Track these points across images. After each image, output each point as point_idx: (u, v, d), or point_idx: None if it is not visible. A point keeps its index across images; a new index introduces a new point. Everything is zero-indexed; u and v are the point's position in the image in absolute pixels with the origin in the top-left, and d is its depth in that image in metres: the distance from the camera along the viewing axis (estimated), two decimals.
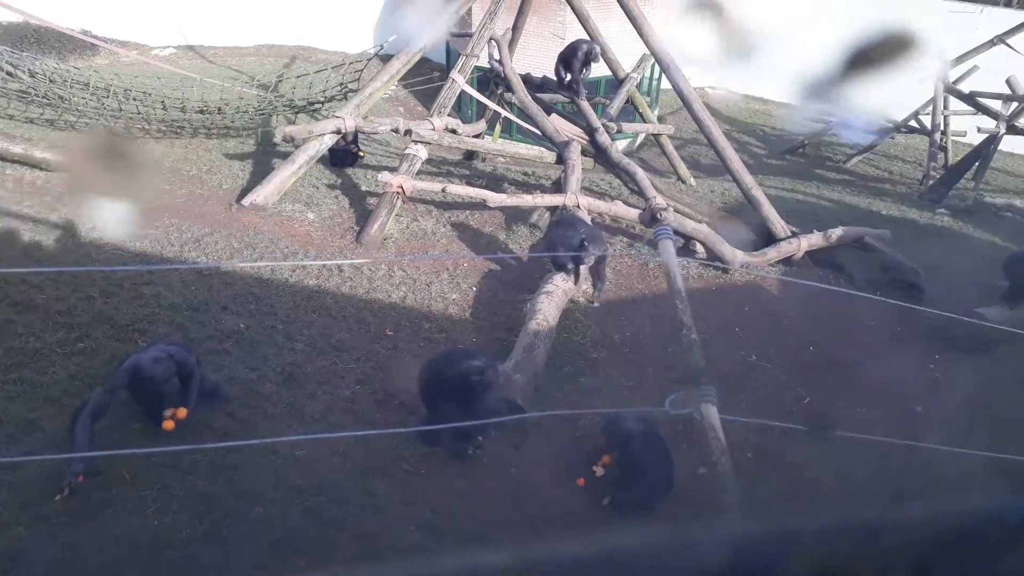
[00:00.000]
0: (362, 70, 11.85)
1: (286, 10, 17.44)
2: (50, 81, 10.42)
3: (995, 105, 13.20)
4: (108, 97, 10.50)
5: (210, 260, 7.05)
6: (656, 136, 12.19)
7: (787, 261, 8.60)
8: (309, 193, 8.86)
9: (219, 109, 11.01)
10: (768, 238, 8.76)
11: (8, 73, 10.37)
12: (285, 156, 9.12)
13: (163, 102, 10.70)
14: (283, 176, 8.64)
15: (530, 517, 4.85)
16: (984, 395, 6.51)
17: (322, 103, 11.95)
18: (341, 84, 11.85)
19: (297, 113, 12.00)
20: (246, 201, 8.35)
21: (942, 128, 14.18)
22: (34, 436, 4.57)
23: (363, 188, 9.21)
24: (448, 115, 9.87)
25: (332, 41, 17.51)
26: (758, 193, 8.98)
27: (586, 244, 6.97)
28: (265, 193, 8.45)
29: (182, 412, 4.76)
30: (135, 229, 7.05)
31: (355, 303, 6.86)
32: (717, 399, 4.81)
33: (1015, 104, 13.01)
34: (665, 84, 11.61)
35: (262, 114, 11.49)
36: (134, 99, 10.58)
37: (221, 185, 8.86)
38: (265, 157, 9.89)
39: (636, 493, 5.02)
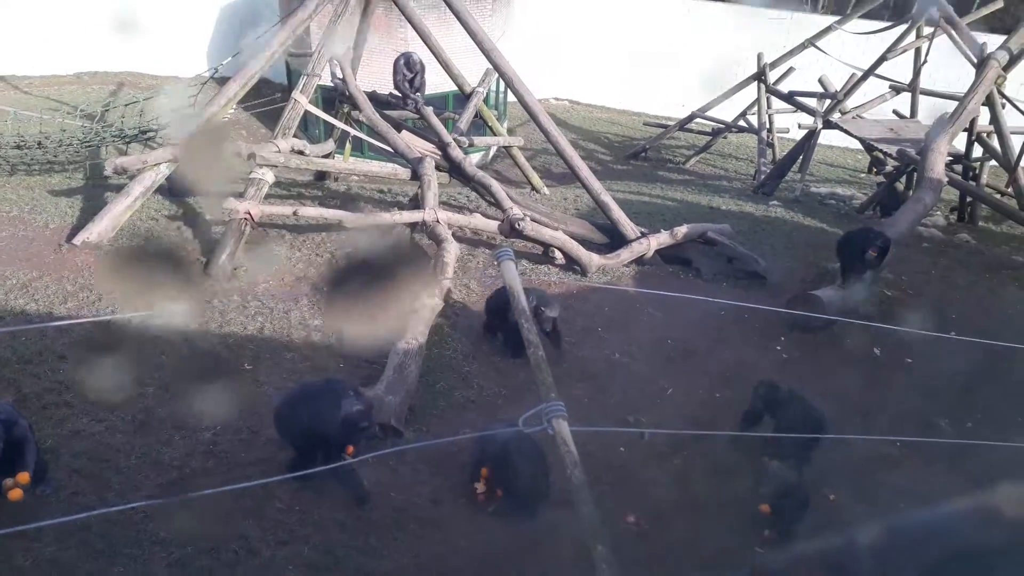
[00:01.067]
0: (196, 95, 11.31)
1: (108, 35, 16.34)
2: None
3: (811, 103, 14.45)
4: None
5: (41, 307, 6.46)
6: (507, 148, 12.41)
7: (640, 260, 8.98)
8: (148, 226, 8.33)
9: (39, 143, 10.15)
10: (619, 240, 9.12)
11: None
12: (118, 189, 8.52)
13: None
14: (118, 210, 8.08)
15: (414, 539, 4.76)
16: (829, 372, 7.08)
17: (156, 131, 11.28)
18: (174, 110, 11.24)
19: (129, 143, 11.26)
20: (78, 240, 7.74)
21: (768, 126, 15.36)
22: None
23: (208, 217, 8.77)
24: (294, 136, 9.60)
25: (163, 65, 16.61)
26: (607, 198, 9.34)
27: (542, 309, 6.67)
28: (99, 230, 7.87)
29: (24, 477, 4.29)
30: None
31: (208, 339, 6.50)
32: (567, 413, 4.91)
33: (828, 101, 14.30)
34: (512, 97, 11.85)
35: (89, 146, 10.70)
36: None
37: (48, 224, 8.16)
38: (96, 191, 9.20)
39: (515, 499, 5.06)
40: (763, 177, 13.87)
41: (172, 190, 9.14)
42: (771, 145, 15.43)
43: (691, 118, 16.20)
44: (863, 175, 16.44)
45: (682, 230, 9.08)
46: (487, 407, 6.26)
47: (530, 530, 4.94)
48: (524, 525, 4.97)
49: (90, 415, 5.22)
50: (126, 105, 11.69)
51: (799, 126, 14.31)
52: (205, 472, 4.94)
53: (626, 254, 8.85)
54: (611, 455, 5.61)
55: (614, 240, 9.17)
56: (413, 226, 8.62)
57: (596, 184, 9.36)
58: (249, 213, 7.75)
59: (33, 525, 3.93)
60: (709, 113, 16.02)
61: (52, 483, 4.58)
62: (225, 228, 7.96)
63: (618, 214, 9.19)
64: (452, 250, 7.98)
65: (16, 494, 4.21)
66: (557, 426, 3.83)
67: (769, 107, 15.45)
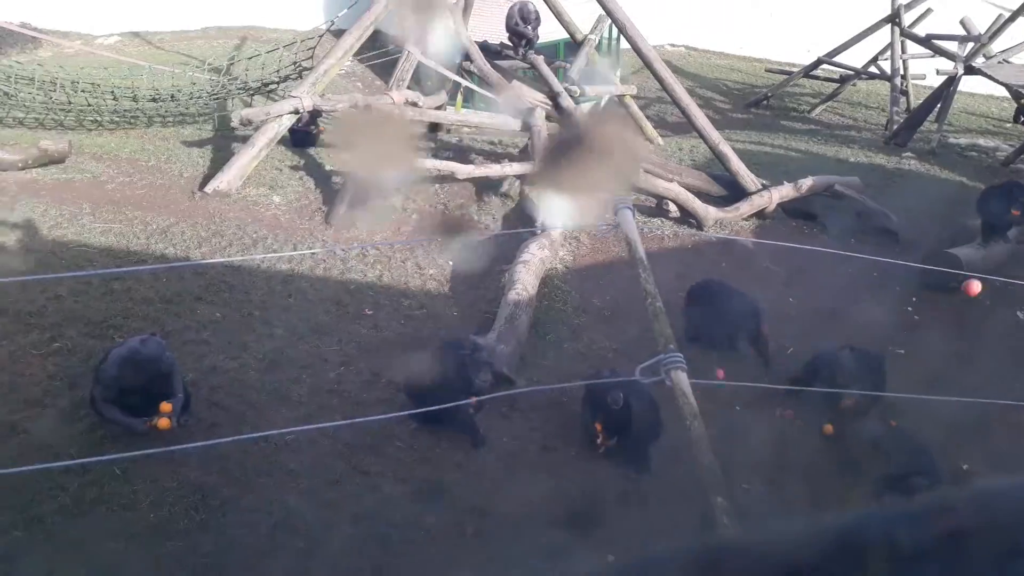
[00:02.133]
0: (315, 47, 11.58)
1: None
2: None
3: (951, 47, 13.32)
4: (55, 91, 10.14)
5: (178, 251, 6.88)
6: (620, 97, 12.13)
7: (760, 214, 8.65)
8: (273, 176, 8.68)
9: (172, 96, 10.69)
10: (738, 193, 8.80)
11: None
12: (244, 140, 8.90)
13: (113, 92, 10.37)
14: (244, 160, 8.45)
15: (525, 483, 4.86)
16: (964, 336, 6.65)
17: (277, 83, 11.65)
18: (295, 63, 11.56)
19: (253, 95, 11.70)
20: (209, 188, 8.15)
21: (902, 72, 14.30)
22: (19, 438, 4.45)
23: (327, 168, 9.05)
24: (407, 88, 9.71)
25: (281, 19, 17.08)
26: (726, 148, 9.00)
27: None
28: (228, 179, 8.26)
29: (166, 406, 4.63)
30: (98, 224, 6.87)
31: (331, 285, 6.76)
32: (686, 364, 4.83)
33: (971, 44, 13.14)
34: (625, 44, 11.53)
35: (217, 98, 11.19)
36: (83, 91, 10.24)
37: (182, 173, 8.64)
38: (224, 142, 9.65)
39: (632, 451, 5.05)
40: (896, 127, 12.97)
41: (294, 141, 9.48)
42: (905, 92, 14.37)
43: (817, 64, 15.29)
44: (1008, 125, 15.10)
45: (807, 183, 8.66)
46: (597, 360, 6.25)
47: (640, 479, 4.95)
48: (635, 474, 4.99)
49: (225, 353, 5.55)
50: (249, 59, 12.11)
51: (937, 72, 13.22)
52: (330, 409, 5.19)
53: (746, 207, 8.54)
54: (729, 412, 5.51)
55: (733, 193, 8.85)
56: (523, 177, 8.61)
57: (714, 134, 9.02)
58: None
59: (179, 448, 4.25)
60: (837, 59, 15.06)
61: (194, 414, 4.92)
62: (344, 179, 8.20)
63: (737, 165, 8.85)
64: None
65: (164, 423, 4.55)
66: (676, 377, 3.78)
67: (903, 51, 14.34)
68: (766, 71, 17.05)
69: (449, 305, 6.76)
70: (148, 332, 4.98)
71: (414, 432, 5.08)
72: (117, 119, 10.23)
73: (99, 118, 10.12)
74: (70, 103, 10.06)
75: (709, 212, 8.30)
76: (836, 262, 6.71)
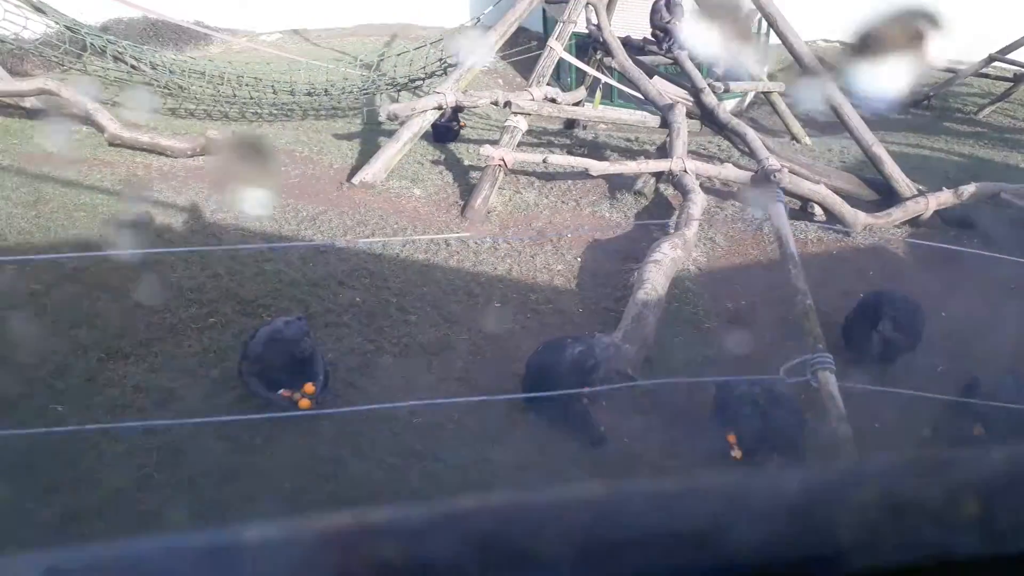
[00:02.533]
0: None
1: None
2: (170, 72, 10.99)
3: None
4: (223, 84, 10.99)
5: (325, 237, 7.29)
6: (767, 94, 11.69)
7: (914, 221, 8.10)
8: (415, 169, 9.00)
9: (326, 91, 11.33)
10: (891, 198, 8.28)
11: (132, 67, 11.01)
12: (390, 134, 9.29)
13: (273, 86, 11.11)
14: (389, 154, 8.81)
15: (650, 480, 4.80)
16: None
17: (423, 79, 12.08)
18: (440, 59, 11.94)
19: (399, 91, 12.20)
20: (356, 180, 8.57)
21: None
22: (176, 404, 4.87)
23: (466, 163, 9.28)
24: (547, 84, 9.79)
25: (430, 17, 17.65)
26: (880, 150, 8.49)
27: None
28: (373, 171, 8.65)
29: (310, 387, 4.91)
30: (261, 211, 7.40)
31: (463, 276, 6.94)
32: (835, 366, 4.60)
33: None
34: (774, 39, 11.07)
35: (366, 93, 11.74)
36: (246, 85, 11.03)
37: (332, 165, 9.13)
38: (371, 135, 10.11)
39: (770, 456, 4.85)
40: None
41: (435, 136, 9.79)
42: None
43: (988, 61, 14.07)
44: None
45: (969, 189, 8.01)
46: (728, 365, 6.07)
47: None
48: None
49: (363, 335, 5.83)
50: (398, 55, 12.61)
51: None
52: (456, 396, 5.33)
53: (898, 213, 8.01)
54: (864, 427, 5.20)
55: (885, 197, 8.34)
56: (659, 175, 8.48)
57: (868, 135, 8.52)
58: (503, 159, 8.07)
59: (317, 412, 4.51)
60: (1011, 56, 13.81)
61: (332, 391, 5.21)
62: (481, 173, 8.39)
63: (892, 168, 8.32)
64: (699, 202, 7.74)
65: (305, 404, 4.83)
66: (823, 378, 3.61)
67: None
68: (929, 68, 15.86)
69: (575, 302, 6.78)
70: (295, 314, 5.31)
71: (535, 424, 5.14)
72: (275, 112, 10.95)
73: (259, 111, 10.88)
74: (235, 96, 10.86)
75: (858, 217, 7.85)
76: (997, 275, 6.18)
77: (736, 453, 5.01)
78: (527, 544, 0.35)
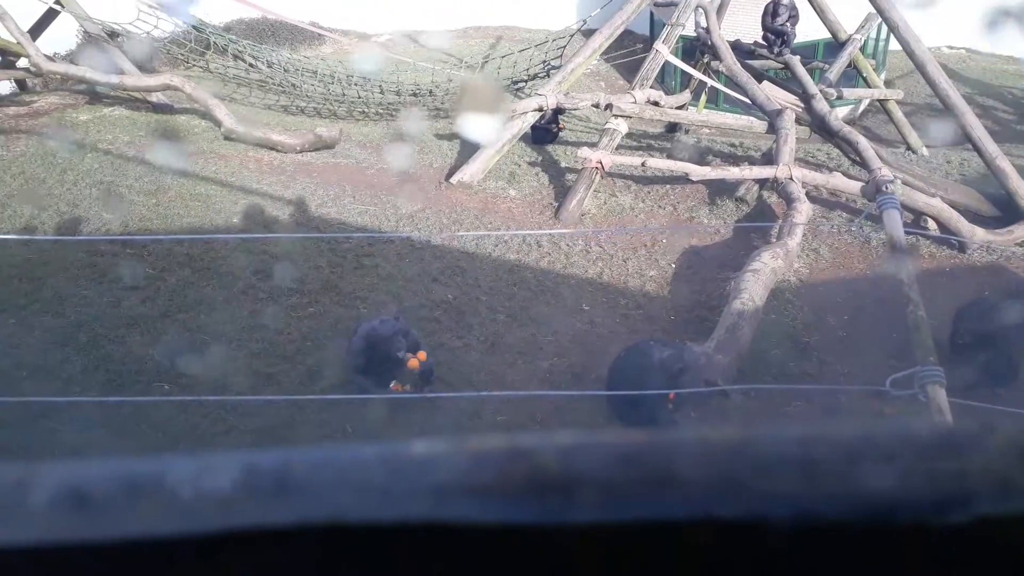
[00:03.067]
0: (564, 46, 11.90)
1: None
2: (284, 71, 11.49)
3: None
4: (333, 84, 11.40)
5: (422, 234, 7.45)
6: (883, 102, 11.15)
7: None
8: (511, 170, 9.06)
9: (430, 91, 11.57)
10: (1014, 214, 7.73)
11: (250, 65, 11.58)
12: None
13: (380, 86, 11.44)
14: (488, 155, 8.90)
15: None
16: None
17: (526, 81, 12.17)
18: (544, 61, 11.98)
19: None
20: (454, 179, 8.71)
21: None
22: (272, 388, 5.10)
23: (563, 165, 9.27)
24: (651, 87, 9.65)
25: (536, 19, 17.74)
26: (1004, 163, 7.93)
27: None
28: (471, 171, 8.76)
29: (423, 355, 5.07)
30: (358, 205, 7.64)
31: (553, 277, 6.94)
32: (945, 380, 4.34)
33: None
34: (894, 45, 10.56)
35: None
36: (355, 84, 11.40)
37: (432, 164, 9.31)
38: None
39: None
40: None
41: (534, 138, 9.82)
42: None
43: None
44: None
45: None
46: (826, 382, 5.82)
47: None
48: None
49: (453, 332, 5.93)
50: (502, 57, 12.75)
51: None
52: (540, 397, 5.34)
53: (1021, 231, 7.48)
54: None
55: (1008, 214, 7.80)
56: (763, 182, 8.22)
57: (991, 146, 7.99)
58: (600, 162, 8.01)
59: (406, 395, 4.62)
60: None
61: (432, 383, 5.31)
62: (577, 176, 8.36)
63: (1017, 183, 7.77)
64: (804, 210, 7.45)
65: (414, 363, 5.01)
66: (932, 392, 3.41)
67: None
68: None
69: (667, 308, 6.66)
70: (392, 312, 5.39)
71: (618, 428, 5.08)
72: (381, 111, 11.27)
73: (366, 109, 11.22)
74: (344, 95, 11.25)
75: (976, 233, 7.38)
76: None
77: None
78: (668, 467, 0.39)
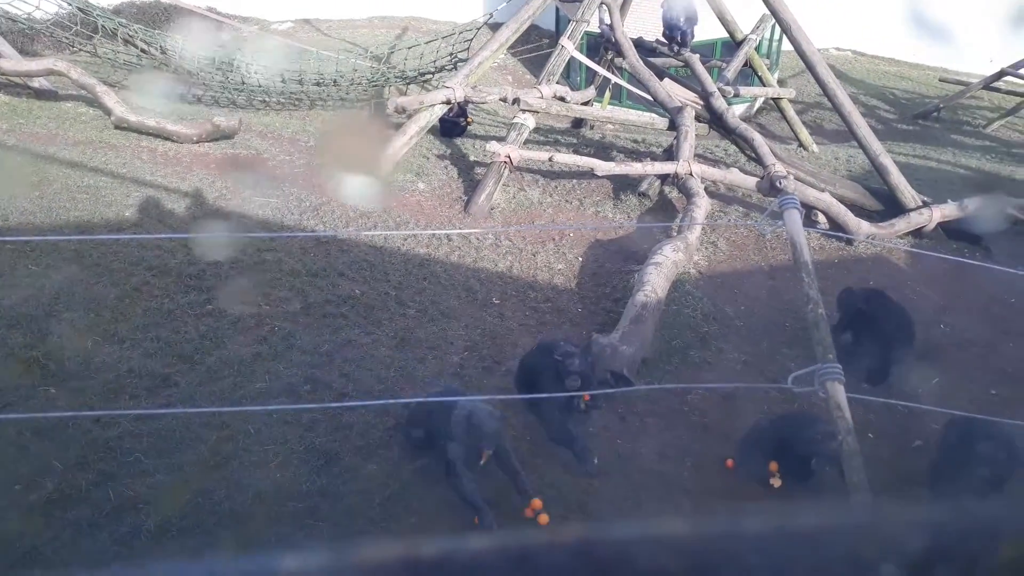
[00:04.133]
0: (471, 39, 11.88)
1: None
2: (180, 57, 11.00)
3: None
4: (232, 72, 10.99)
5: (328, 228, 7.29)
6: (776, 100, 11.66)
7: (917, 233, 8.07)
8: (419, 163, 8.99)
9: (335, 81, 11.33)
10: (895, 208, 8.25)
11: (143, 50, 11.02)
12: (397, 127, 9.28)
13: (282, 75, 11.11)
14: (395, 147, 8.80)
15: (636, 487, 4.80)
16: None
17: (433, 73, 12.08)
18: (451, 54, 11.93)
19: (408, 84, 12.19)
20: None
21: None
22: (169, 391, 4.88)
23: (471, 158, 9.27)
24: (557, 83, 9.76)
25: (443, 11, 17.64)
26: (886, 160, 8.44)
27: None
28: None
29: (538, 503, 4.42)
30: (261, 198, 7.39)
31: (463, 272, 6.94)
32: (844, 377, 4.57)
33: None
34: (786, 46, 11.05)
35: (375, 85, 11.74)
36: (256, 73, 11.03)
37: None
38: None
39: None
40: None
41: (442, 131, 9.77)
42: None
43: (1000, 75, 14.02)
44: None
45: (974, 203, 7.98)
46: (725, 370, 6.06)
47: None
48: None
49: (360, 328, 5.83)
50: (408, 48, 12.60)
51: None
52: (451, 392, 5.33)
53: (902, 224, 7.98)
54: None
55: (890, 208, 8.31)
56: (664, 178, 8.46)
57: (875, 144, 8.49)
58: (509, 156, 8.06)
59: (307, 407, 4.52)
60: (1022, 70, 13.75)
61: (330, 387, 5.19)
62: (486, 169, 8.37)
63: (898, 179, 8.29)
64: (703, 205, 7.73)
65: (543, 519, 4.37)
66: (831, 389, 3.60)
67: None
68: (939, 81, 15.84)
69: (575, 301, 6.77)
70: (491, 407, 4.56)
71: (528, 424, 5.13)
72: (283, 100, 10.96)
73: (267, 99, 10.88)
74: (243, 83, 10.86)
75: (861, 226, 7.83)
76: (998, 290, 6.15)
77: (775, 483, 4.85)
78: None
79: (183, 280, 6.01)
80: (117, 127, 8.63)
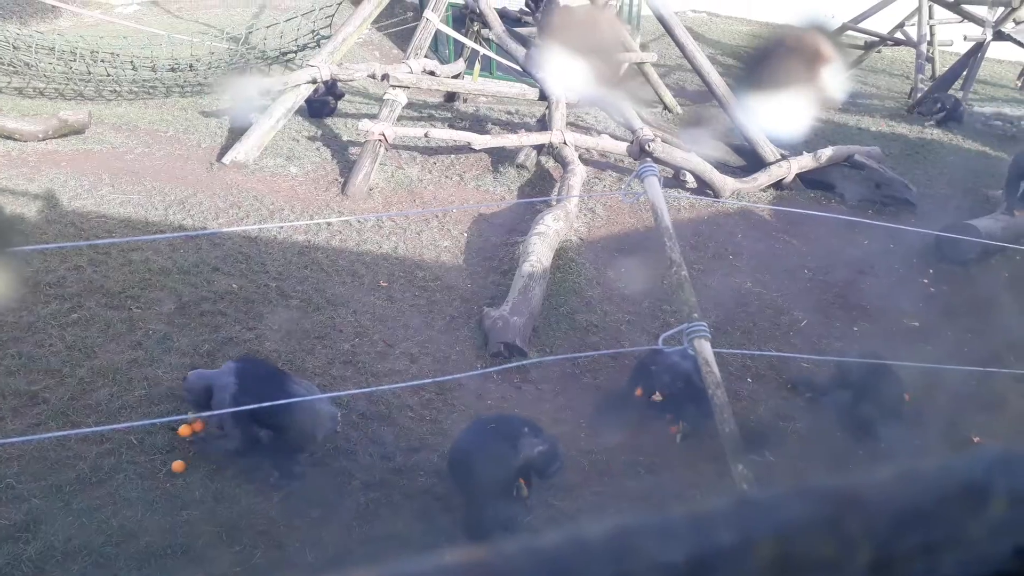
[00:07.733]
0: (333, 15, 11.53)
1: None
2: (14, 48, 10.11)
3: (981, 11, 12.96)
4: (75, 61, 10.21)
5: (196, 222, 6.95)
6: (639, 64, 11.96)
7: (778, 184, 8.56)
8: (290, 147, 8.70)
9: (191, 66, 10.74)
10: (758, 163, 8.71)
11: None
12: (263, 110, 8.92)
13: (132, 62, 10.43)
14: (262, 131, 8.48)
15: None
16: (980, 306, 6.57)
17: (295, 52, 11.65)
18: (313, 31, 11.54)
19: (271, 64, 11.71)
20: (227, 159, 8.20)
21: (928, 39, 13.96)
22: (38, 408, 4.56)
23: (344, 138, 9.06)
24: (425, 56, 9.65)
25: None
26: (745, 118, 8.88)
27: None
28: (245, 149, 8.30)
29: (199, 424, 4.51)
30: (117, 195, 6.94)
31: (346, 256, 6.81)
32: (710, 333, 4.81)
33: (1001, 9, 12.77)
34: (646, 10, 11.34)
35: (235, 68, 11.20)
36: (102, 61, 10.30)
37: (200, 144, 8.69)
38: (242, 112, 9.66)
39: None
40: (920, 95, 12.73)
41: (311, 111, 9.48)
42: (931, 60, 14.04)
43: (842, 30, 14.96)
44: None
45: (826, 153, 8.56)
46: (611, 331, 6.28)
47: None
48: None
49: (242, 324, 5.63)
50: (267, 27, 12.09)
51: (964, 38, 12.90)
52: (343, 379, 5.26)
53: (764, 178, 8.46)
54: (738, 386, 5.52)
55: (752, 163, 8.77)
56: (540, 148, 8.58)
57: (733, 102, 8.91)
58: (383, 134, 7.93)
59: (200, 414, 4.34)
60: (862, 24, 14.73)
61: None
62: (361, 149, 8.21)
63: (756, 135, 8.75)
64: (579, 173, 7.91)
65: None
66: (699, 346, 3.79)
67: (931, 17, 14.00)
68: None
69: (463, 277, 6.79)
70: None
71: (426, 403, 5.14)
72: (136, 89, 10.29)
73: (118, 88, 10.19)
74: (90, 73, 10.13)
75: (727, 183, 8.23)
76: (853, 233, 6.64)
77: (676, 430, 5.09)
78: None
79: (41, 289, 5.59)
80: None
